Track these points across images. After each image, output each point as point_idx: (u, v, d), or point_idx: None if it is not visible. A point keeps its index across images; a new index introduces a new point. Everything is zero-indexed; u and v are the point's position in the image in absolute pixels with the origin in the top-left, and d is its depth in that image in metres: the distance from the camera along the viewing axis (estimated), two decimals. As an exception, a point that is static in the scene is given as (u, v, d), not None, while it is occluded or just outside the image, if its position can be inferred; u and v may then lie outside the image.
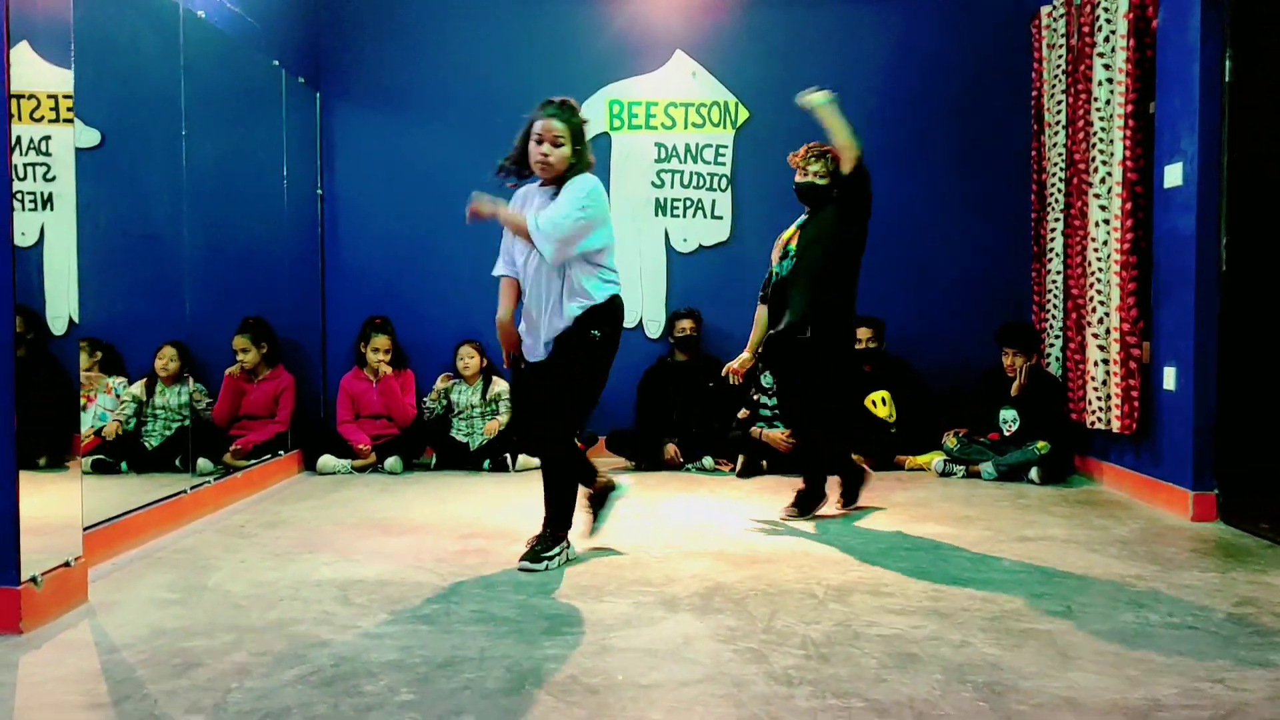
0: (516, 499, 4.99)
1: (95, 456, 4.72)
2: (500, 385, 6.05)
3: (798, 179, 4.65)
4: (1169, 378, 4.72)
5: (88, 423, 4.80)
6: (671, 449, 5.90)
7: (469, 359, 6.03)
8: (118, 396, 4.92)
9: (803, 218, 4.67)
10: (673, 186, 6.40)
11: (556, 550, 3.71)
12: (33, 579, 2.97)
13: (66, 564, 3.15)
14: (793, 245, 4.61)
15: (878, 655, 2.75)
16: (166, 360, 4.99)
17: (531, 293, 3.73)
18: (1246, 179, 4.34)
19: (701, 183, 6.40)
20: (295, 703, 2.42)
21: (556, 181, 3.68)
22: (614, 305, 3.73)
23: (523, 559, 3.66)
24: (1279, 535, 4.05)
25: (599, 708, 2.39)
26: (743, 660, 2.72)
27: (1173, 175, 4.67)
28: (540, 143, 3.62)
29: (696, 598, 3.31)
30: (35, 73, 3.79)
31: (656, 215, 6.40)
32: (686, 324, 6.12)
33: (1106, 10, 5.08)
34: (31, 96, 3.99)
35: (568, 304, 3.64)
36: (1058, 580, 3.53)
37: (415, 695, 2.46)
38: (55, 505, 3.28)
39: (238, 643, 2.84)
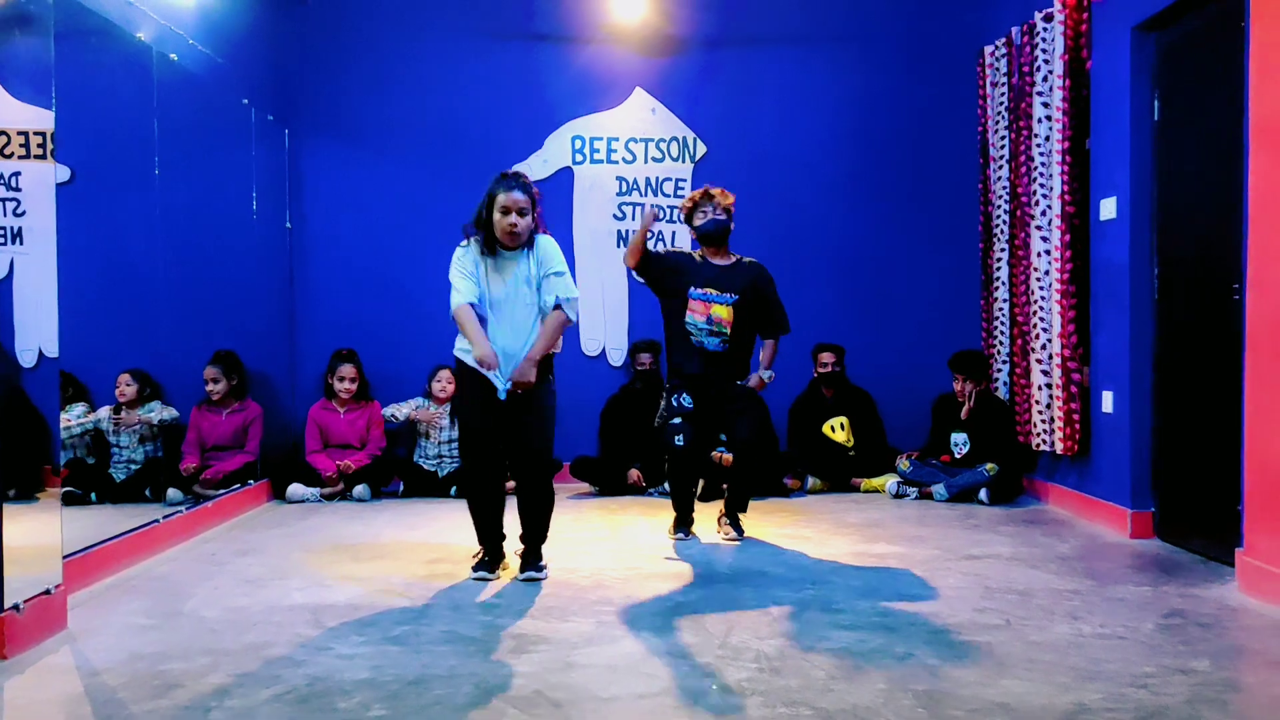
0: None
1: (65, 489, 4.80)
2: None
3: (716, 216, 4.73)
4: (1107, 401, 4.95)
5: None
6: (634, 474, 6.06)
7: (449, 383, 6.12)
8: (69, 422, 4.99)
9: (728, 296, 4.67)
10: (634, 219, 6.59)
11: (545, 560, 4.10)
12: (15, 606, 3.07)
13: (47, 592, 3.25)
14: (727, 330, 4.67)
15: (826, 667, 2.92)
16: (123, 385, 5.10)
17: (507, 331, 3.97)
18: (1176, 212, 4.58)
19: (661, 215, 6.59)
20: (272, 718, 2.54)
21: (519, 245, 3.97)
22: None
23: (524, 572, 4.00)
24: (1211, 551, 4.26)
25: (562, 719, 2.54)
26: (698, 674, 2.87)
27: (1107, 208, 4.92)
28: (508, 214, 3.91)
29: (656, 617, 3.46)
30: (5, 110, 3.91)
31: (618, 246, 6.58)
32: (646, 357, 6.28)
33: (1044, 51, 5.35)
34: (2, 133, 4.12)
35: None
36: (999, 595, 3.72)
37: (387, 711, 2.60)
38: (32, 535, 3.38)
39: (214, 665, 2.96)
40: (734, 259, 4.81)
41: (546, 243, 4.04)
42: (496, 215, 3.92)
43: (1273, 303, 3.61)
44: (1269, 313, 3.63)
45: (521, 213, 3.91)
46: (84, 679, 2.87)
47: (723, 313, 4.65)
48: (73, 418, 4.99)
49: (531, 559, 4.06)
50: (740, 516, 4.85)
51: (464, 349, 3.99)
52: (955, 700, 2.66)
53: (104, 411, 5.11)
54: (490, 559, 4.08)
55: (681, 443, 4.66)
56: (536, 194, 4.03)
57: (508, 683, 2.80)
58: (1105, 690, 2.73)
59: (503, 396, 3.95)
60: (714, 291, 4.67)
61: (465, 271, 3.95)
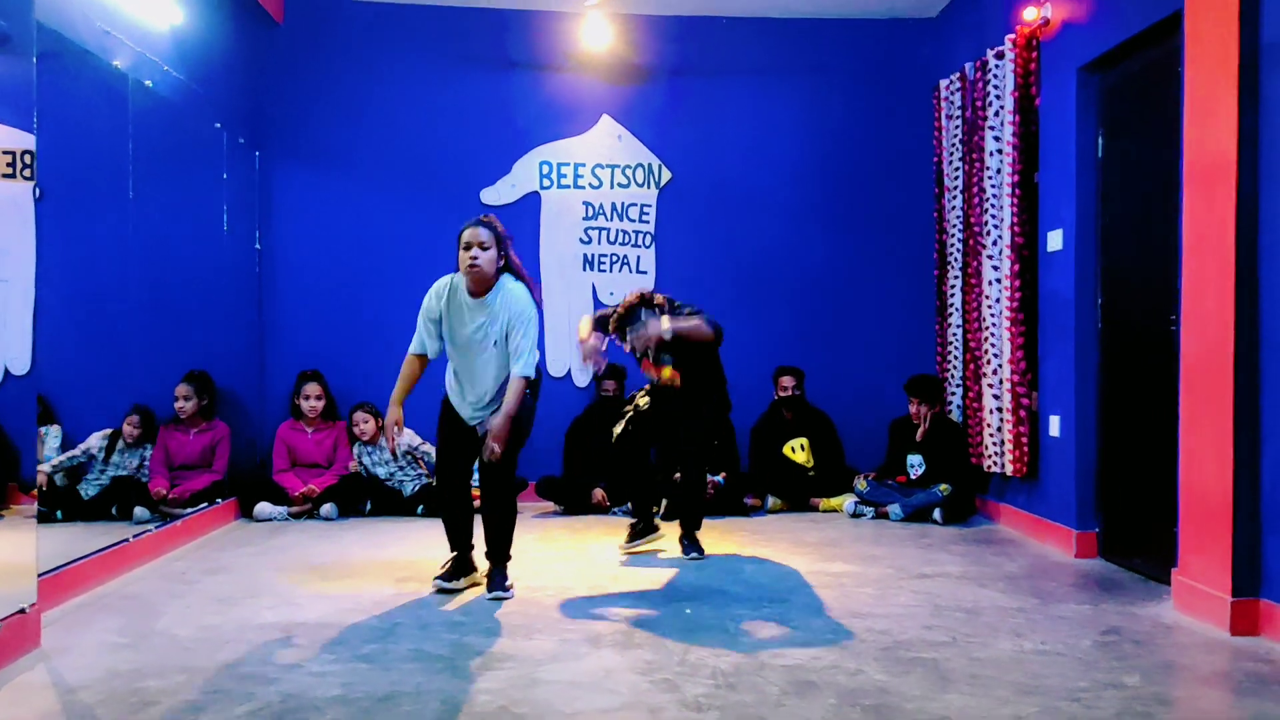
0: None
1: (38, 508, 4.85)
2: (407, 434, 6.14)
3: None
4: (1054, 425, 5.14)
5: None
6: (599, 494, 6.18)
7: (363, 424, 6.25)
8: (43, 443, 5.05)
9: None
10: (600, 243, 6.74)
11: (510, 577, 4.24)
12: (-9, 625, 3.15)
13: (22, 610, 3.32)
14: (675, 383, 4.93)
15: (779, 683, 3.06)
16: (133, 428, 5.25)
17: (466, 371, 4.18)
18: (1118, 245, 4.79)
19: (627, 239, 6.74)
20: (248, 735, 2.64)
21: (485, 289, 4.08)
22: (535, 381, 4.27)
23: (491, 591, 4.12)
24: (1150, 570, 4.44)
25: (527, 734, 2.66)
26: (658, 689, 3.00)
27: (1054, 240, 5.12)
28: (468, 248, 4.02)
29: (619, 634, 3.59)
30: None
31: (584, 270, 6.73)
32: (610, 384, 6.42)
33: (996, 87, 5.56)
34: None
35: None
36: (947, 613, 3.88)
37: (359, 726, 2.71)
38: (6, 552, 3.45)
39: (189, 683, 3.05)
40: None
41: (517, 297, 4.08)
42: (460, 251, 4.05)
43: (1202, 338, 3.80)
44: (1200, 348, 3.82)
45: (483, 246, 4.00)
46: (61, 696, 2.95)
47: (666, 372, 4.88)
48: (60, 454, 5.06)
49: (497, 578, 4.17)
50: (698, 535, 4.99)
51: (450, 386, 4.25)
52: (901, 714, 2.80)
53: (94, 439, 5.18)
54: (453, 568, 4.27)
55: (619, 430, 5.12)
56: (503, 232, 4.13)
57: (474, 699, 2.92)
58: (1041, 704, 2.89)
59: (472, 423, 4.15)
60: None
61: (425, 318, 4.16)
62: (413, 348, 4.21)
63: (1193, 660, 3.36)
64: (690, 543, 4.95)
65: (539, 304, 4.20)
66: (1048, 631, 3.64)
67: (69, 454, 5.09)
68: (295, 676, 3.11)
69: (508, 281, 4.12)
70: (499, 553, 4.21)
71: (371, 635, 3.56)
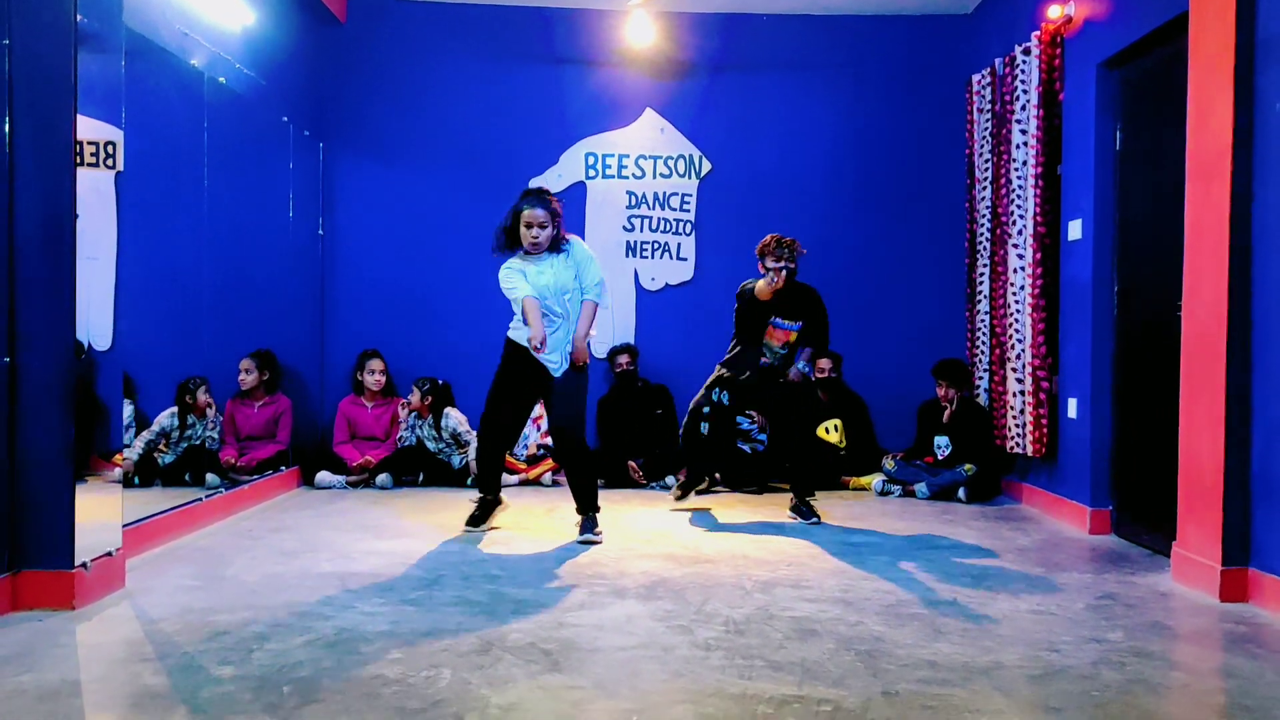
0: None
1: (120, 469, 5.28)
2: (455, 417, 6.59)
3: (784, 284, 5.35)
4: (1072, 407, 5.35)
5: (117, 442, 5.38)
6: (633, 466, 6.50)
7: (412, 397, 6.58)
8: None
9: (788, 324, 5.48)
10: (642, 231, 7.05)
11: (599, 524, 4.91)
12: (83, 564, 3.55)
13: (109, 554, 3.73)
14: (780, 347, 5.50)
15: (784, 631, 3.35)
16: (205, 394, 5.64)
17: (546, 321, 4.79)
18: (1134, 235, 4.98)
19: (668, 227, 7.04)
20: (306, 658, 3.01)
21: (540, 253, 4.81)
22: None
23: (583, 535, 4.79)
24: (1158, 545, 4.65)
25: (551, 664, 2.99)
26: (673, 633, 3.31)
27: (1074, 230, 5.32)
28: (530, 228, 4.74)
29: (642, 588, 3.90)
30: (80, 124, 4.36)
31: (627, 257, 7.04)
32: (624, 359, 6.78)
33: (1023, 82, 5.76)
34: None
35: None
36: (954, 578, 4.13)
37: (403, 654, 3.05)
38: (94, 508, 3.85)
39: (255, 618, 3.43)
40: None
41: (581, 251, 4.86)
42: (521, 228, 4.74)
43: (1201, 322, 4.01)
44: (1197, 330, 4.03)
45: (541, 226, 4.73)
46: (143, 626, 3.34)
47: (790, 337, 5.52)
48: (132, 430, 5.48)
49: (589, 525, 4.83)
50: (811, 502, 5.52)
51: (517, 329, 4.83)
52: (890, 658, 3.08)
53: (163, 417, 5.60)
54: (479, 512, 5.01)
55: (705, 431, 5.62)
56: (558, 206, 4.79)
57: (506, 636, 3.25)
58: (1022, 653, 3.15)
59: (557, 374, 4.79)
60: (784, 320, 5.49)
61: (520, 278, 4.77)
62: (527, 292, 4.72)
63: (1177, 621, 3.58)
64: (806, 509, 5.40)
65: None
66: (1044, 595, 3.88)
67: (147, 436, 5.50)
68: (348, 615, 3.47)
69: (572, 244, 4.85)
70: (590, 503, 4.89)
71: (418, 584, 3.92)
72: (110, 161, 4.30)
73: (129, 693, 2.74)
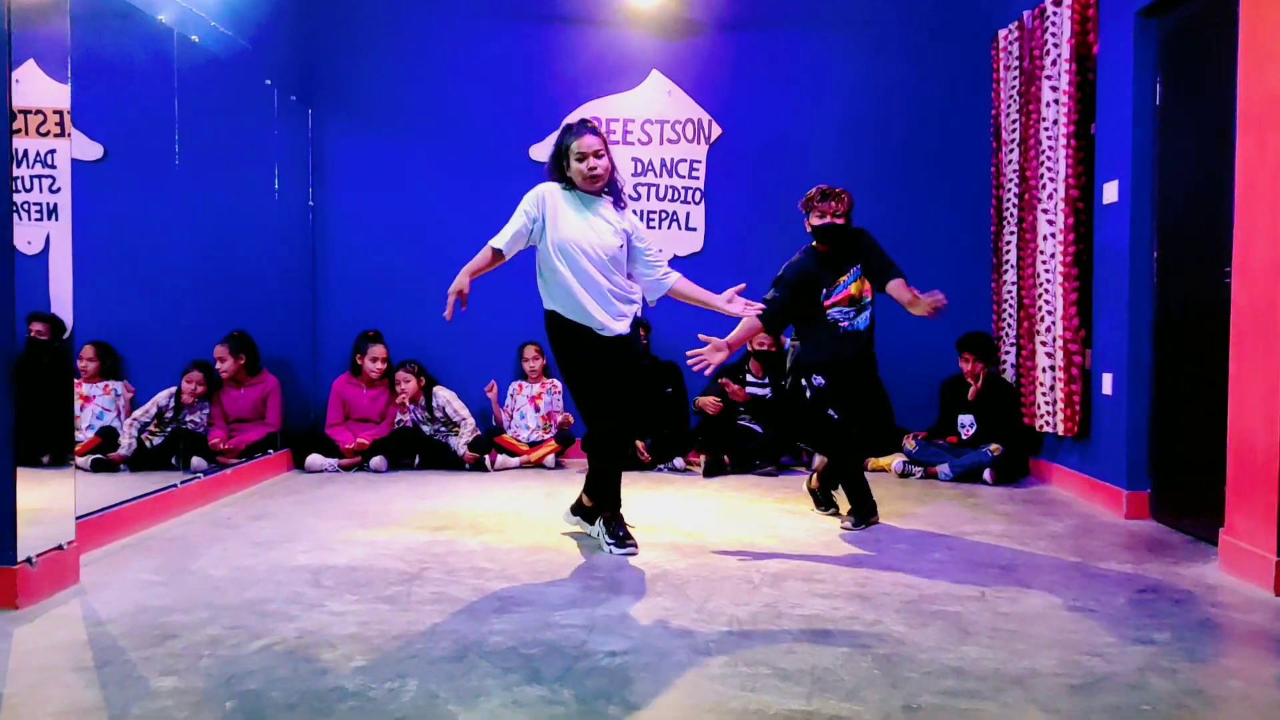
0: (492, 495, 5.28)
1: (95, 455, 5.02)
2: (443, 395, 6.29)
3: (831, 220, 4.72)
4: (1106, 383, 4.99)
5: (86, 421, 5.10)
6: (640, 448, 6.17)
7: (404, 383, 6.23)
8: (116, 396, 5.21)
9: (850, 272, 4.83)
10: (649, 199, 6.69)
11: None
12: (27, 560, 3.25)
13: (59, 547, 3.43)
14: (866, 298, 4.86)
15: (794, 631, 3.02)
16: (195, 385, 5.39)
17: (584, 268, 4.00)
18: (1175, 196, 4.60)
19: (676, 196, 6.69)
20: (259, 666, 2.70)
21: (599, 188, 4.05)
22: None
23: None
24: (1201, 531, 4.29)
25: (530, 673, 2.67)
26: (670, 635, 2.99)
27: (1110, 192, 4.94)
28: (584, 159, 3.97)
29: (641, 583, 3.58)
30: (41, 89, 4.07)
31: (633, 227, 6.68)
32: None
33: (1054, 35, 5.36)
34: (38, 112, 4.29)
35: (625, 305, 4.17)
36: (981, 569, 3.79)
37: (367, 662, 2.74)
38: (52, 497, 3.56)
39: (213, 619, 3.12)
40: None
41: (631, 215, 4.25)
42: (575, 163, 3.98)
43: (1255, 288, 3.64)
44: (1252, 298, 3.66)
45: (598, 154, 3.97)
46: (88, 628, 3.04)
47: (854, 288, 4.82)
48: (136, 413, 5.24)
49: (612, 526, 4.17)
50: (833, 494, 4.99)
51: (555, 300, 4.05)
52: (912, 664, 2.75)
53: (161, 396, 5.32)
54: (623, 532, 4.10)
55: (836, 416, 4.74)
56: (605, 135, 4.11)
57: (485, 639, 2.94)
58: (1060, 658, 2.81)
59: (608, 334, 4.03)
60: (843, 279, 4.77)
61: (523, 216, 3.99)
62: (495, 241, 3.98)
63: (1230, 619, 3.24)
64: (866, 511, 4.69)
65: None
66: (1081, 589, 3.54)
67: (143, 411, 5.24)
68: (315, 615, 3.16)
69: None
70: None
71: (397, 579, 3.61)
72: (60, 127, 4.00)
73: (54, 710, 2.43)
